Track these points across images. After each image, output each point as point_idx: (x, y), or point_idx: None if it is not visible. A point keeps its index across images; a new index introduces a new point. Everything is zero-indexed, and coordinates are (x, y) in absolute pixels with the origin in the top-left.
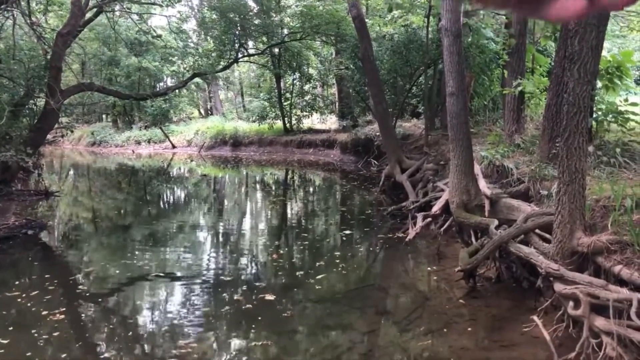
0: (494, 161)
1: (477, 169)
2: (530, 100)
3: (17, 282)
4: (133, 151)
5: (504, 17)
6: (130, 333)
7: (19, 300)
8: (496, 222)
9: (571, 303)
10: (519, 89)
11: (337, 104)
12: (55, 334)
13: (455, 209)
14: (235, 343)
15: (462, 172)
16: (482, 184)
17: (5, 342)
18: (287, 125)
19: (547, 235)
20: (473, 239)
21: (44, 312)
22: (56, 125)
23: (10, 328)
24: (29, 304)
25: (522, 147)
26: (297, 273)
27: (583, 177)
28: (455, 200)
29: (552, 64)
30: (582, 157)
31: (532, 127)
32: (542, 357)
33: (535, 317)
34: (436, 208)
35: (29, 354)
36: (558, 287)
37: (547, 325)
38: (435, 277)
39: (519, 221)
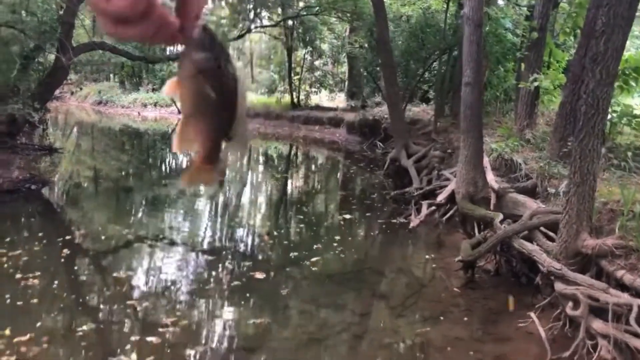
0: (503, 154)
1: (486, 161)
2: (544, 95)
3: (15, 237)
4: (139, 113)
5: (526, 9)
6: (121, 297)
7: (17, 253)
8: (501, 216)
9: (570, 303)
10: (535, 84)
11: (346, 83)
12: (46, 291)
13: (461, 200)
14: (227, 316)
15: (471, 163)
16: (490, 177)
17: None
18: (295, 100)
19: (552, 234)
20: (476, 231)
21: (41, 268)
22: (65, 82)
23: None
24: (26, 258)
25: (532, 142)
26: (293, 253)
27: (594, 179)
28: (461, 191)
29: (571, 60)
30: (595, 159)
31: (543, 123)
32: (535, 353)
33: (532, 314)
34: (441, 197)
35: (17, 304)
36: (558, 286)
37: (543, 323)
38: (433, 265)
39: (524, 217)
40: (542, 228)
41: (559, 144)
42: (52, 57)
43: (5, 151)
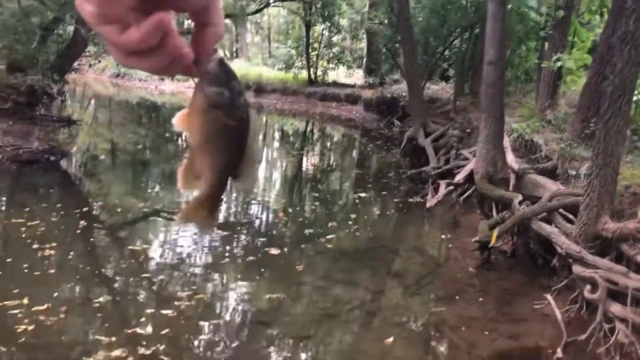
0: (523, 135)
1: (506, 141)
2: (567, 76)
3: (34, 207)
4: (156, 87)
5: None
6: (137, 269)
7: (35, 223)
8: (520, 197)
9: (588, 286)
10: (559, 64)
11: (365, 59)
12: (63, 262)
13: (479, 180)
14: (242, 291)
15: (491, 143)
16: (510, 158)
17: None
18: (312, 76)
19: (571, 216)
20: (494, 212)
21: (58, 238)
22: (83, 54)
23: (18, 253)
24: (43, 228)
25: (553, 123)
26: (308, 230)
27: (618, 162)
28: (480, 171)
29: (596, 40)
30: (619, 141)
31: (565, 104)
32: (551, 335)
33: (548, 296)
34: (460, 177)
35: (35, 274)
36: (577, 269)
37: (559, 305)
38: (449, 245)
39: (544, 199)
40: (561, 210)
41: (582, 125)
42: (71, 28)
43: (24, 122)
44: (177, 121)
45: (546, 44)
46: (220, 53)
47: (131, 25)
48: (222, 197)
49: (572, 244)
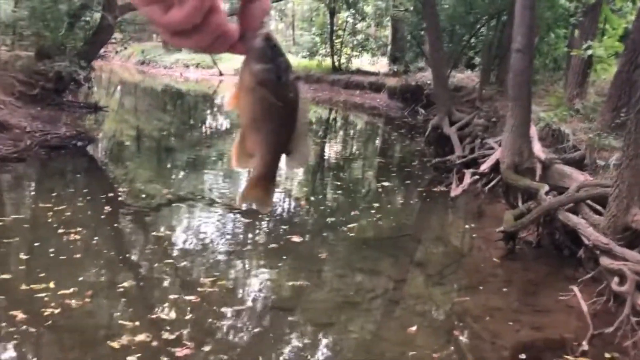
0: (550, 124)
1: (533, 130)
2: (597, 64)
3: (62, 192)
4: (181, 74)
5: None
6: (161, 254)
7: (62, 208)
8: (547, 187)
9: (616, 279)
10: (589, 52)
11: (389, 47)
12: (88, 246)
13: (505, 170)
14: (264, 277)
15: (518, 132)
16: (537, 147)
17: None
18: (336, 63)
19: (599, 207)
20: (519, 202)
21: (84, 223)
22: (109, 41)
23: (52, 235)
24: (69, 213)
25: (582, 113)
26: (330, 219)
27: None
28: (506, 161)
29: (628, 27)
30: None
31: (594, 92)
32: (576, 327)
33: (574, 287)
34: (485, 166)
35: (61, 258)
36: (604, 261)
37: (585, 297)
38: (473, 235)
39: (571, 189)
40: (589, 201)
41: (612, 115)
42: (97, 15)
43: (52, 108)
44: (227, 102)
45: (576, 32)
46: (268, 27)
47: (174, 4)
48: (276, 174)
49: (600, 235)
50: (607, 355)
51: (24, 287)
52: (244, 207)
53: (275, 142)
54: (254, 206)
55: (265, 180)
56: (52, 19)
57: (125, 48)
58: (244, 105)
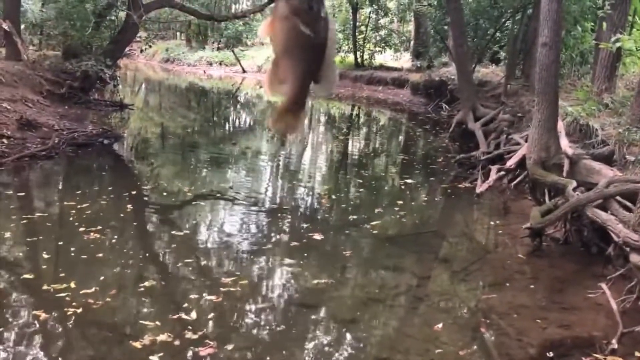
0: (578, 119)
1: (560, 125)
2: (626, 57)
3: (87, 190)
4: (204, 72)
5: None
6: (183, 253)
7: (85, 206)
8: (574, 183)
9: None
10: (618, 45)
11: (412, 42)
12: (110, 245)
13: (532, 165)
14: (286, 275)
15: (545, 127)
16: (564, 143)
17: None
18: (359, 59)
19: (629, 204)
20: (546, 198)
21: (107, 222)
22: (134, 39)
23: (80, 228)
24: (89, 212)
25: (610, 107)
26: (352, 216)
27: None
28: (532, 157)
29: None
30: None
31: (623, 87)
32: (604, 325)
33: (603, 285)
34: (511, 162)
35: (82, 257)
36: (634, 258)
37: (614, 295)
38: (499, 232)
39: (600, 185)
40: (618, 197)
41: None
42: (123, 14)
43: (79, 106)
44: (262, 30)
45: (604, 25)
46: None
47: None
48: (306, 101)
49: (631, 232)
50: (637, 354)
51: (45, 287)
52: (277, 138)
53: (305, 69)
54: (283, 132)
55: (296, 106)
56: (78, 19)
57: (150, 46)
58: (278, 33)
